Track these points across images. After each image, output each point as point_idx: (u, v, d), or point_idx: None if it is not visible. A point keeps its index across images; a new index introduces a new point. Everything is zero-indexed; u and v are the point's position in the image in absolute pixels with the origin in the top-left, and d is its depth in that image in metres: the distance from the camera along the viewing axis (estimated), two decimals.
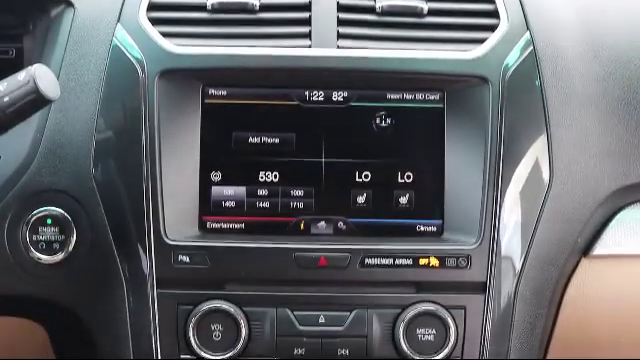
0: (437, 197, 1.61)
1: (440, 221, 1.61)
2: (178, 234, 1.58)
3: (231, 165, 1.61)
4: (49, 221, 1.60)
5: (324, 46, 1.62)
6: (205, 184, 1.61)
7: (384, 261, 1.57)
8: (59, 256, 1.60)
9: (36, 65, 1.46)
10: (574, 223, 1.62)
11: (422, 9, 1.66)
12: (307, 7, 1.66)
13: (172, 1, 1.67)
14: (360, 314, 1.58)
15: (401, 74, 1.61)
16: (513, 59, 1.62)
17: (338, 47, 1.62)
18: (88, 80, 1.63)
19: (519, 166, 1.60)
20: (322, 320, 1.58)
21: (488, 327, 1.59)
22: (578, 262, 1.65)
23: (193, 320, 1.57)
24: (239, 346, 1.57)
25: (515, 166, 1.60)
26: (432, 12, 1.67)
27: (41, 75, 1.46)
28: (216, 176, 1.61)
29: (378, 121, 1.62)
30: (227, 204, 1.61)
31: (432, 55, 1.62)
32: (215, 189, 1.61)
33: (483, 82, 1.60)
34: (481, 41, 1.63)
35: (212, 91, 1.61)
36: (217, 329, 1.58)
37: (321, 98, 1.61)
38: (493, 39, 1.63)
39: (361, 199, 1.61)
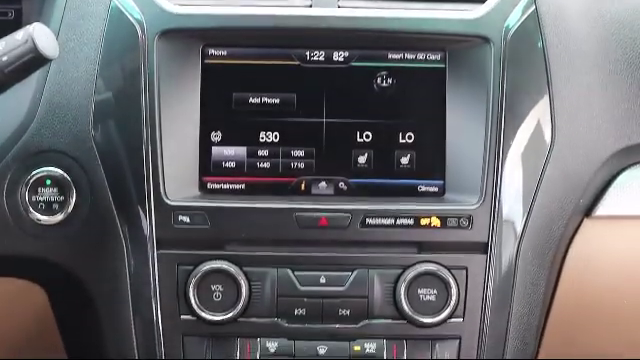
0: (438, 157, 1.60)
1: (442, 181, 1.60)
2: (178, 195, 1.57)
3: (231, 125, 1.60)
4: (48, 182, 1.59)
5: (325, 5, 1.61)
6: (205, 145, 1.60)
7: (385, 221, 1.57)
8: (58, 217, 1.59)
9: (35, 24, 1.45)
10: (576, 183, 1.61)
11: None
12: None
13: None
14: (361, 274, 1.58)
15: (402, 34, 1.60)
16: (515, 19, 1.60)
17: (339, 7, 1.62)
18: (87, 41, 1.62)
19: (521, 126, 1.59)
20: (323, 280, 1.57)
21: (490, 287, 1.58)
22: (580, 223, 1.64)
23: (193, 281, 1.56)
24: (239, 306, 1.57)
25: (517, 126, 1.59)
26: None
27: (40, 34, 1.44)
28: (216, 136, 1.60)
29: (379, 81, 1.61)
30: (227, 165, 1.60)
31: (433, 15, 1.61)
32: (215, 149, 1.60)
33: (484, 42, 1.59)
34: (483, 0, 1.62)
35: (212, 51, 1.60)
36: (217, 289, 1.57)
37: (322, 58, 1.60)
38: None
39: (362, 159, 1.61)
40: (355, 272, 1.58)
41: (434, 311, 1.58)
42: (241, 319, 1.58)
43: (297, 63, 1.60)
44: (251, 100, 1.61)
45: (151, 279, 1.57)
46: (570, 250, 1.64)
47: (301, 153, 1.60)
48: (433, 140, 1.60)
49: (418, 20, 1.60)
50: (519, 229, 1.58)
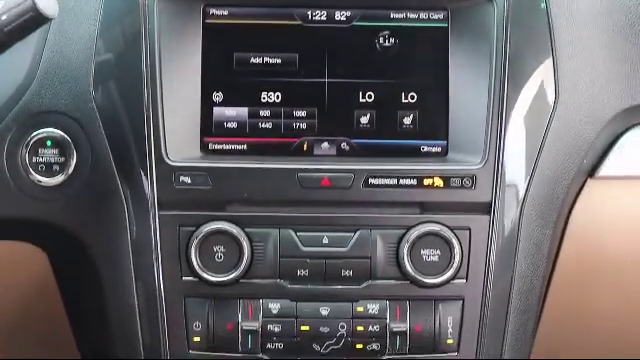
0: (441, 117, 1.59)
1: (444, 142, 1.60)
2: (179, 155, 1.56)
3: (233, 86, 1.59)
4: (49, 143, 1.58)
5: None
6: (207, 105, 1.59)
7: (388, 181, 1.56)
8: (59, 178, 1.58)
9: None
10: (579, 143, 1.60)
11: None
12: None
13: None
14: (364, 235, 1.57)
15: None
16: None
17: None
18: (87, 0, 1.60)
19: (524, 86, 1.58)
20: (325, 241, 1.57)
21: (493, 248, 1.57)
22: (584, 183, 1.63)
23: (195, 242, 1.56)
24: (241, 267, 1.56)
25: (520, 86, 1.58)
26: None
27: None
28: (218, 97, 1.59)
29: (381, 41, 1.60)
30: (229, 125, 1.59)
31: None
32: (217, 110, 1.59)
33: (487, 1, 1.58)
34: None
35: (213, 11, 1.59)
36: (219, 251, 1.56)
37: (323, 17, 1.59)
38: None
39: (364, 120, 1.60)
40: (358, 233, 1.57)
41: (437, 272, 1.57)
42: (243, 280, 1.57)
43: (299, 22, 1.59)
44: (252, 60, 1.60)
45: (152, 240, 1.56)
46: (573, 211, 1.63)
47: (303, 113, 1.59)
48: (436, 100, 1.59)
49: None
50: (522, 189, 1.58)
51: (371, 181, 1.56)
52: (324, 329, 1.58)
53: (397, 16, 1.60)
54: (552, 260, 1.64)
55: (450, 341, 1.59)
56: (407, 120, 1.60)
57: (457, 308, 1.59)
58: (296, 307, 1.58)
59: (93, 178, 1.58)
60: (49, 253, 1.66)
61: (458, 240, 1.57)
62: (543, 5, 1.61)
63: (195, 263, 1.56)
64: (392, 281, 1.58)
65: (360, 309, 1.58)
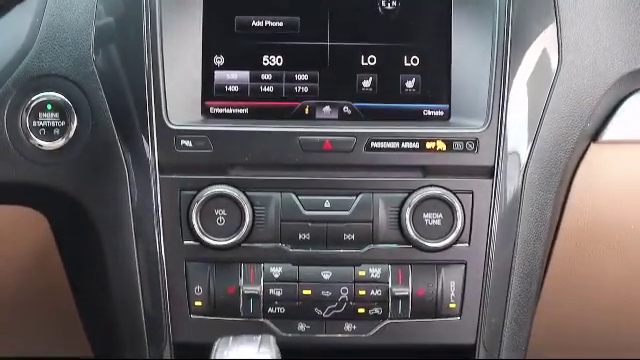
0: (444, 81, 1.58)
1: (447, 105, 1.59)
2: (180, 119, 1.56)
3: (234, 49, 1.58)
4: (49, 107, 1.57)
5: None
6: (208, 69, 1.58)
7: (390, 145, 1.55)
8: (59, 142, 1.57)
9: None
10: (583, 107, 1.59)
11: None
12: None
13: None
14: (366, 198, 1.56)
15: None
16: None
17: None
18: None
19: (527, 49, 1.57)
20: (327, 205, 1.56)
21: (496, 212, 1.56)
22: (587, 148, 1.62)
23: (196, 205, 1.55)
24: (243, 231, 1.55)
25: (524, 49, 1.57)
26: None
27: None
28: (219, 60, 1.58)
29: (384, 4, 1.59)
30: (230, 88, 1.58)
31: None
32: (218, 73, 1.58)
33: None
34: None
35: None
36: (220, 214, 1.56)
37: None
38: None
39: (367, 83, 1.59)
40: (360, 196, 1.56)
41: (439, 235, 1.56)
42: (244, 244, 1.56)
43: None
44: (254, 23, 1.59)
45: (153, 204, 1.56)
46: (576, 176, 1.62)
47: (305, 77, 1.59)
48: (438, 64, 1.58)
49: None
50: (525, 153, 1.57)
51: (373, 144, 1.55)
52: (326, 293, 1.57)
53: None
54: (555, 226, 1.63)
55: (452, 305, 1.59)
56: (409, 84, 1.59)
57: (459, 272, 1.58)
58: (298, 271, 1.57)
59: (94, 142, 1.57)
60: (50, 218, 1.65)
61: (461, 204, 1.56)
62: None
63: (196, 227, 1.55)
64: (394, 245, 1.57)
65: (362, 273, 1.57)
